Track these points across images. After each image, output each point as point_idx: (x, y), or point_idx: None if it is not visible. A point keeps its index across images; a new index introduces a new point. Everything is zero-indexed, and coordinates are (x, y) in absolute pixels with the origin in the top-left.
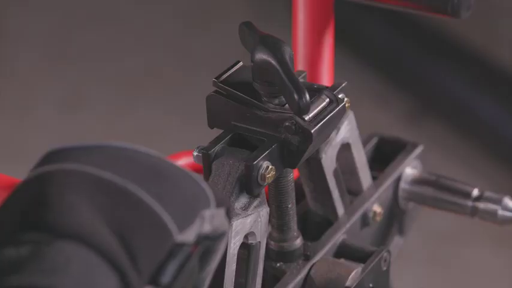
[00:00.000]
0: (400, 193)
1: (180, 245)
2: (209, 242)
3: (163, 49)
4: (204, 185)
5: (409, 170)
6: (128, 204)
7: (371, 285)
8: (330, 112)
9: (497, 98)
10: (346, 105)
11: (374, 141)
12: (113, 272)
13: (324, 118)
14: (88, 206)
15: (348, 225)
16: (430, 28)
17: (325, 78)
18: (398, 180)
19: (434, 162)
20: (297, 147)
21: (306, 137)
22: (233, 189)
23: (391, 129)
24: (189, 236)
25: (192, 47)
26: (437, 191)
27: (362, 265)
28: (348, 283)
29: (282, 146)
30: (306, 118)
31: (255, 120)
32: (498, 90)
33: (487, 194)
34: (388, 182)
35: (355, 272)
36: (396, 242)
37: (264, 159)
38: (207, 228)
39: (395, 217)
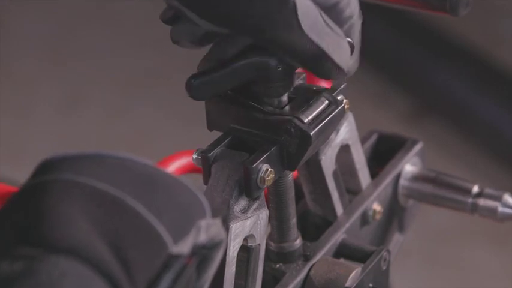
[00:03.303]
0: (400, 190)
1: (175, 257)
2: (206, 251)
3: (163, 50)
4: (200, 194)
5: (409, 167)
6: (122, 216)
7: (371, 285)
8: (329, 114)
9: (497, 97)
10: (345, 106)
11: (373, 138)
12: (107, 286)
13: (323, 120)
14: (82, 217)
15: (347, 225)
16: (430, 28)
17: (325, 81)
18: (398, 177)
19: (434, 162)
20: (296, 149)
21: (305, 139)
22: (232, 192)
23: (391, 129)
24: (184, 247)
25: (193, 50)
26: (437, 188)
27: (362, 265)
28: (347, 283)
29: (281, 149)
30: (305, 120)
31: (254, 123)
32: (498, 90)
33: (487, 190)
34: (388, 179)
35: (355, 272)
36: (396, 239)
37: (263, 162)
38: (203, 238)
39: (395, 214)
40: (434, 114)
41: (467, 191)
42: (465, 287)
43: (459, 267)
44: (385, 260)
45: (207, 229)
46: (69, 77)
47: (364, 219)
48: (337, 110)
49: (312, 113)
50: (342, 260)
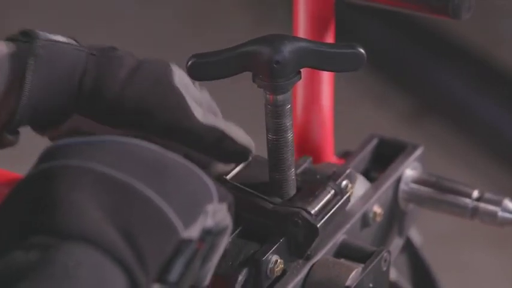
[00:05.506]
0: (400, 194)
1: (186, 242)
2: (211, 238)
3: (164, 52)
4: (207, 179)
5: (409, 171)
6: (133, 202)
7: (371, 285)
8: (335, 205)
9: (497, 97)
10: (350, 192)
11: (374, 142)
12: (121, 272)
13: (329, 211)
14: (94, 205)
15: (348, 225)
16: (430, 28)
17: (326, 79)
18: (398, 181)
19: (434, 162)
20: (303, 239)
21: (312, 231)
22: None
23: (391, 129)
24: (194, 231)
25: (193, 52)
26: (437, 193)
27: (362, 265)
28: (347, 283)
29: (289, 239)
30: (312, 212)
31: (264, 214)
32: (498, 90)
33: (487, 195)
34: (388, 183)
35: (355, 272)
36: (396, 243)
37: (273, 253)
38: (209, 223)
39: (395, 218)
40: (434, 114)
41: (467, 196)
42: None
43: (459, 270)
44: (385, 260)
45: (213, 214)
46: None
47: (365, 221)
48: (342, 200)
49: (318, 204)
50: (342, 260)
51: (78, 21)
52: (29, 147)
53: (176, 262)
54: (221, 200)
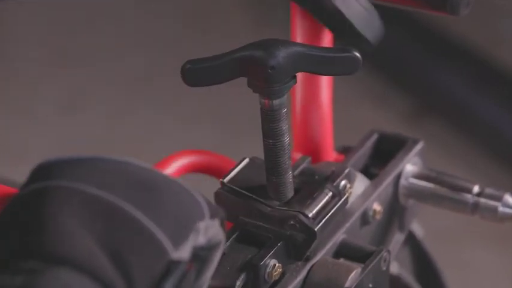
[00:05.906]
0: (401, 190)
1: (176, 263)
2: (204, 253)
3: (164, 52)
4: (198, 196)
5: (410, 166)
6: (122, 224)
7: (371, 285)
8: (333, 207)
9: (497, 97)
10: (348, 192)
11: (374, 137)
12: None
13: (327, 214)
14: (82, 228)
15: (347, 224)
16: (430, 27)
17: (325, 77)
18: (398, 177)
19: (434, 162)
20: (302, 242)
21: (310, 234)
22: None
23: (391, 129)
24: (184, 251)
25: (193, 52)
26: (437, 188)
27: (362, 265)
28: (347, 283)
29: (287, 242)
30: (310, 215)
31: (261, 217)
32: (498, 90)
33: (488, 190)
34: (389, 179)
35: (355, 272)
36: (397, 239)
37: (271, 257)
38: (201, 240)
39: (395, 214)
40: (434, 114)
41: (467, 191)
42: (465, 287)
43: (460, 268)
44: (385, 260)
45: (205, 231)
46: (70, 77)
47: (364, 219)
48: (340, 202)
49: (316, 207)
50: (342, 260)
51: (78, 21)
52: (29, 148)
53: (165, 284)
54: (213, 216)
